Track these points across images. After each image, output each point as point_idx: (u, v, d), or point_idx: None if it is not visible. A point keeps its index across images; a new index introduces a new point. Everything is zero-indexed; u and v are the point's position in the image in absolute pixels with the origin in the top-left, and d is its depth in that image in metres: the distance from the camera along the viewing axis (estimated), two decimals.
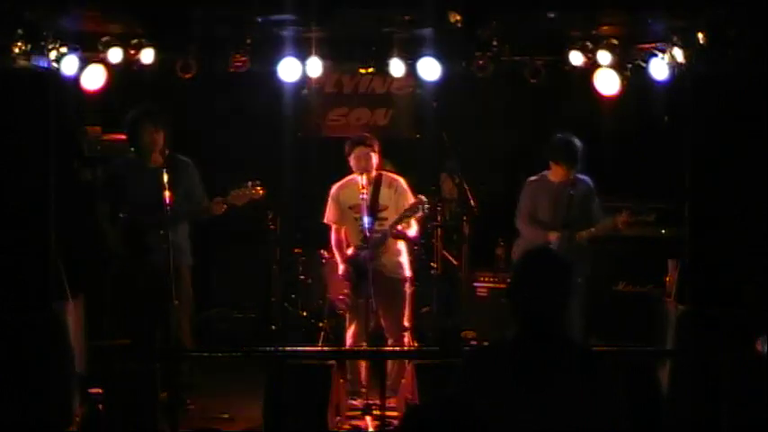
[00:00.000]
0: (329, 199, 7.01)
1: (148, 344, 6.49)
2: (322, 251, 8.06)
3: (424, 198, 6.76)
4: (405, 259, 7.00)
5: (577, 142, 7.04)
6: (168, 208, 6.33)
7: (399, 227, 6.76)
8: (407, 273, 7.00)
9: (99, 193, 6.89)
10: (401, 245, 6.98)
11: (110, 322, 6.75)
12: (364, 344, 6.82)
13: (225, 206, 6.57)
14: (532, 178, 7.24)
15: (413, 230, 6.93)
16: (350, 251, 6.96)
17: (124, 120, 6.82)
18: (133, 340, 6.52)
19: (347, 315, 7.05)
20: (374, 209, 6.76)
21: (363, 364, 6.85)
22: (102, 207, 6.75)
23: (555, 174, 7.12)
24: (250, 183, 6.56)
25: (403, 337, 6.89)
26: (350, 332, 6.96)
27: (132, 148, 6.95)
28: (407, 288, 6.98)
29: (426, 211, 6.82)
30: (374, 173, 6.86)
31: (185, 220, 6.71)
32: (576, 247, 6.90)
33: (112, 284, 6.64)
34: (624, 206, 7.21)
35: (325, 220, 7.05)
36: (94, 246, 6.84)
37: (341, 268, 6.95)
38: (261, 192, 6.57)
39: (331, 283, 7.56)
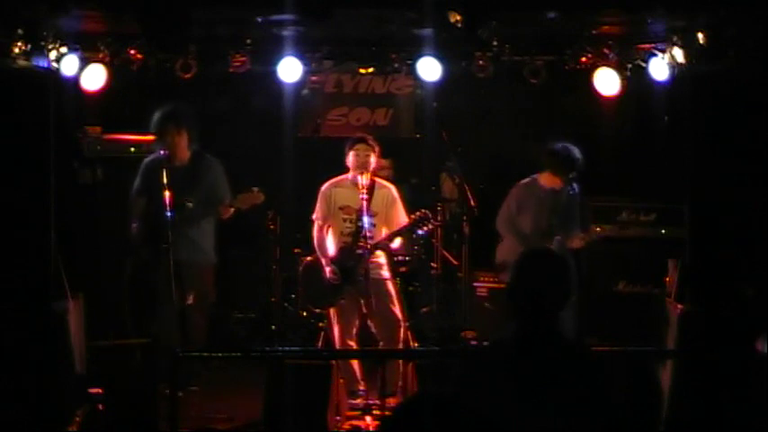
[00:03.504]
0: (319, 195, 7.01)
1: (150, 343, 6.51)
2: (295, 250, 8.09)
3: (420, 215, 6.78)
4: (384, 260, 7.00)
5: (577, 153, 7.04)
6: (189, 205, 6.60)
7: (393, 242, 6.87)
8: (387, 273, 6.99)
9: (135, 191, 6.97)
10: None
11: (124, 319, 6.84)
12: (352, 343, 6.84)
13: (232, 209, 6.81)
14: (523, 181, 7.29)
15: (396, 243, 7.00)
16: (331, 252, 6.96)
17: (150, 120, 6.92)
18: (144, 338, 6.56)
19: (331, 317, 7.03)
20: (368, 211, 6.77)
21: (356, 363, 6.86)
22: (138, 204, 6.89)
23: (547, 179, 7.16)
24: (255, 189, 6.76)
25: (398, 334, 6.87)
26: (335, 333, 6.95)
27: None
28: (391, 287, 6.97)
29: (428, 227, 6.88)
30: (369, 176, 6.86)
31: (203, 219, 6.83)
32: (565, 249, 6.97)
33: (129, 281, 6.75)
34: (622, 206, 7.26)
35: (313, 217, 7.05)
36: (119, 246, 6.92)
37: (327, 270, 6.92)
38: (262, 197, 6.79)
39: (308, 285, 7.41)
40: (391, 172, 8.28)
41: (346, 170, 6.95)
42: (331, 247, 6.97)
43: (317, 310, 7.36)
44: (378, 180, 6.99)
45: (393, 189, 7.02)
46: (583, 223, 7.21)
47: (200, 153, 6.95)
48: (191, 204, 6.68)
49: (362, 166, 6.78)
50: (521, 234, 7.15)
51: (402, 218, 6.91)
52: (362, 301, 6.71)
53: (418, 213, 6.81)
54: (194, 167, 6.84)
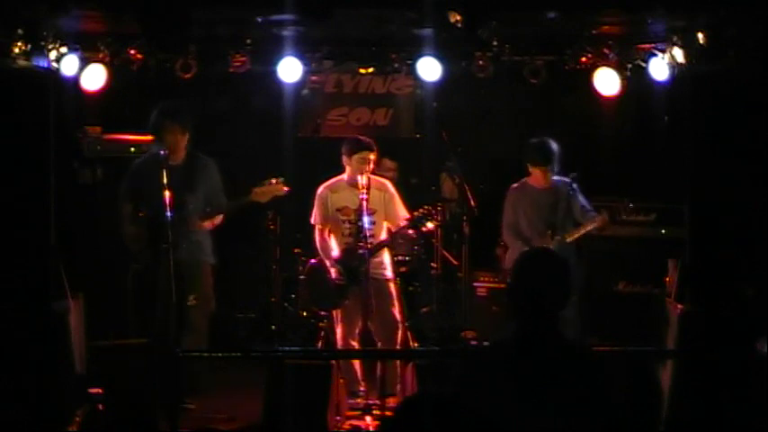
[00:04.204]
0: (315, 199, 7.01)
1: (151, 343, 6.51)
2: (295, 250, 8.11)
3: (423, 212, 6.79)
4: (387, 259, 7.00)
5: (552, 143, 7.10)
6: (190, 206, 6.57)
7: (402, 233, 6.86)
8: (390, 273, 6.99)
9: (121, 195, 6.90)
10: None
11: (129, 321, 6.84)
12: (354, 343, 6.84)
13: (226, 213, 6.78)
14: (514, 186, 7.34)
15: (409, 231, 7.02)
16: (335, 253, 6.95)
17: (148, 119, 6.84)
18: (149, 339, 6.56)
19: (334, 317, 7.03)
20: (367, 211, 6.76)
21: (357, 363, 6.86)
22: (125, 209, 6.81)
23: (535, 179, 7.20)
24: (274, 180, 6.66)
25: (396, 335, 6.87)
26: (338, 333, 6.95)
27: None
28: (393, 287, 6.97)
29: (430, 221, 6.89)
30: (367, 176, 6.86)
31: (204, 220, 6.79)
32: (566, 249, 6.96)
33: (132, 285, 6.72)
34: (613, 206, 7.28)
35: (312, 221, 7.05)
36: (119, 246, 6.89)
37: (332, 272, 6.92)
38: (284, 188, 6.67)
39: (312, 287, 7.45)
40: (396, 174, 8.30)
41: (342, 170, 6.95)
42: (335, 248, 6.97)
43: (323, 313, 7.37)
44: (373, 178, 6.98)
45: (390, 185, 7.02)
46: (577, 218, 7.21)
47: (194, 152, 6.87)
48: (191, 203, 6.66)
49: (365, 171, 6.77)
50: (522, 237, 7.17)
51: (402, 212, 6.92)
52: (364, 302, 6.70)
53: (421, 210, 6.81)
54: (190, 166, 6.77)
